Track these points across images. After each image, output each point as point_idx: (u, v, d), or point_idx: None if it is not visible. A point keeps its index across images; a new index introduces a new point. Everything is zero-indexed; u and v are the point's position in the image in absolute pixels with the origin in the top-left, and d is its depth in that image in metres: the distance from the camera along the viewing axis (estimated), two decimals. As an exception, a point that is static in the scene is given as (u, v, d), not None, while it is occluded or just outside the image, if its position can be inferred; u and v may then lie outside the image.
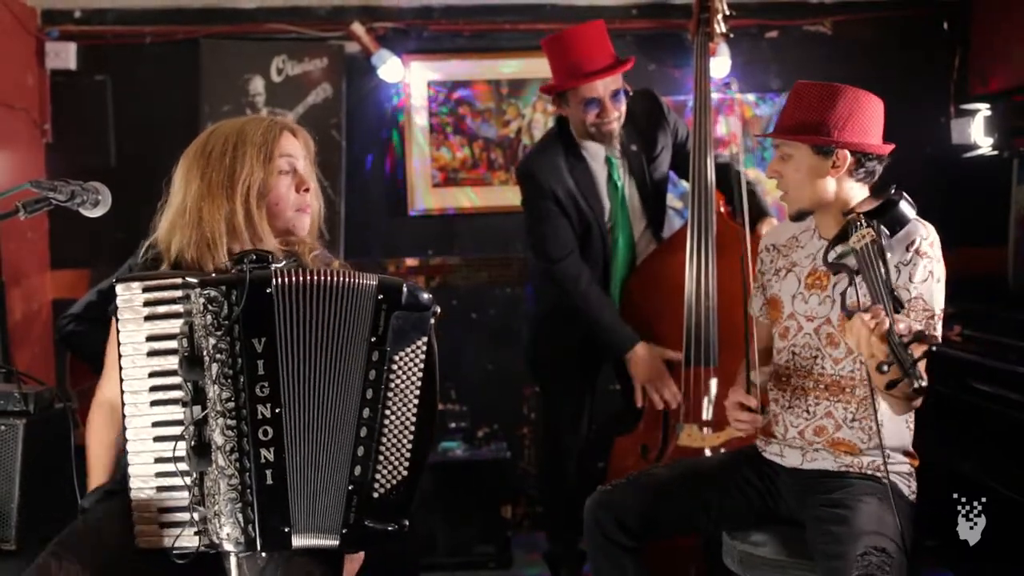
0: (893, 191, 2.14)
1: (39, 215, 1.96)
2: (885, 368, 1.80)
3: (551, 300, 3.29)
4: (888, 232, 2.09)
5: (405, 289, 1.83)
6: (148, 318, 1.79)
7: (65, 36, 4.00)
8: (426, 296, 1.85)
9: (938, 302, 2.15)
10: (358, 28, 4.05)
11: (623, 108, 3.06)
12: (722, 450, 2.95)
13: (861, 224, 2.07)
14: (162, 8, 4.04)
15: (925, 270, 2.13)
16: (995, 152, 3.95)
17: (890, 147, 2.22)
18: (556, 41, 3.09)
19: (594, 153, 3.15)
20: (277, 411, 1.78)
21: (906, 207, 2.11)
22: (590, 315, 3.09)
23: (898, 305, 1.94)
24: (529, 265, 3.63)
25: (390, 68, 4.08)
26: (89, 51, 4.02)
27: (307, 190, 2.06)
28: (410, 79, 4.17)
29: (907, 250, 2.13)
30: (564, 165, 3.10)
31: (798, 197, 2.23)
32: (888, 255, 2.03)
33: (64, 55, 3.97)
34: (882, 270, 1.98)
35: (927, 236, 2.16)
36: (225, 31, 4.07)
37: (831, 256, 2.16)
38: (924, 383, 1.77)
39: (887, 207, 2.10)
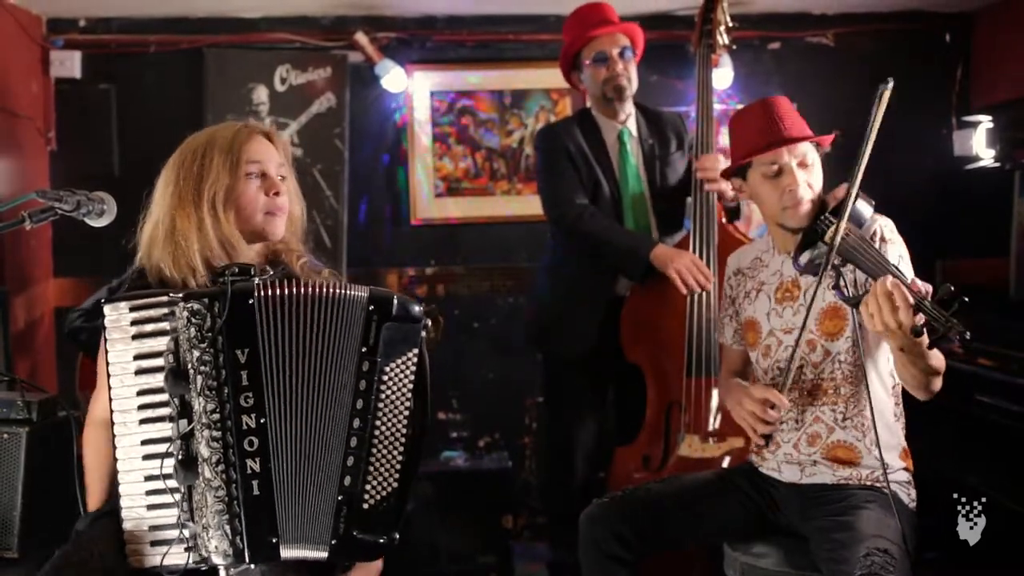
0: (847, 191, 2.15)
1: (43, 224, 1.97)
2: (921, 329, 1.81)
3: (554, 304, 3.31)
4: (856, 225, 2.10)
5: (396, 301, 1.83)
6: (136, 337, 1.80)
7: (70, 45, 4.01)
8: (417, 308, 1.85)
9: None
10: (362, 38, 4.07)
11: (632, 69, 3.18)
12: (726, 460, 2.95)
13: (830, 221, 2.09)
14: (166, 17, 4.06)
15: (895, 255, 2.16)
16: (997, 164, 3.96)
17: None
18: (572, 15, 3.27)
19: (608, 129, 3.24)
20: (262, 421, 1.78)
21: (863, 202, 2.12)
22: (604, 239, 3.09)
23: (903, 276, 1.95)
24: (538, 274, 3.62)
25: (393, 78, 4.10)
26: (93, 60, 4.04)
27: (277, 193, 2.04)
28: (413, 89, 4.19)
29: (871, 240, 2.15)
30: (578, 129, 3.24)
31: (813, 202, 2.22)
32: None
33: (69, 64, 3.99)
34: (873, 252, 2.01)
35: (886, 224, 2.20)
36: (229, 40, 4.08)
37: (802, 262, 2.14)
38: (967, 332, 1.77)
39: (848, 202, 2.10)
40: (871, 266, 2.00)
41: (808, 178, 2.20)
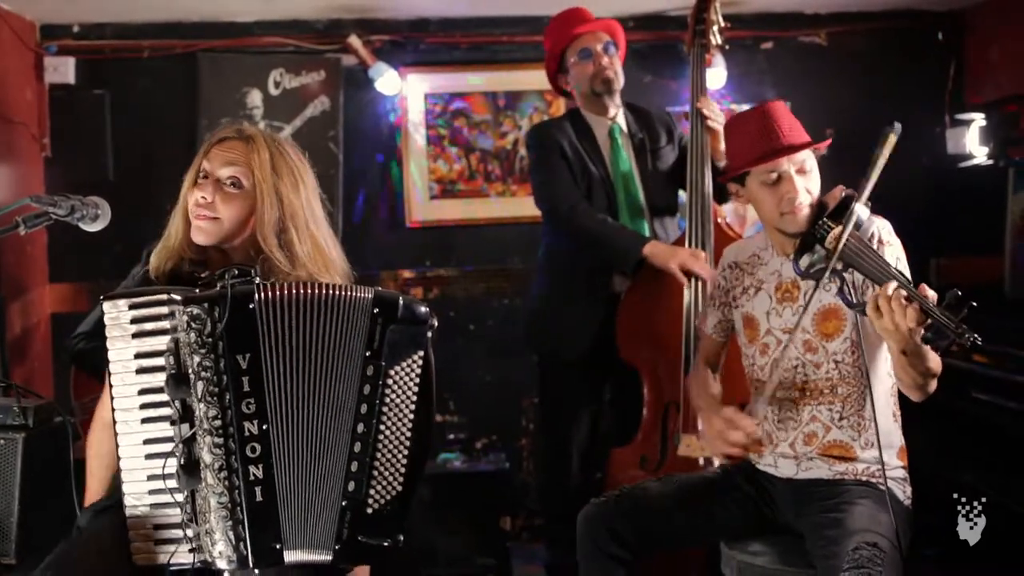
0: (844, 192, 2.16)
1: (38, 229, 1.97)
2: (931, 336, 1.82)
3: (549, 302, 3.31)
4: (855, 228, 2.10)
5: (401, 302, 1.81)
6: (136, 335, 1.77)
7: (64, 51, 4.01)
8: (423, 309, 1.83)
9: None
10: (355, 41, 4.07)
11: (617, 63, 3.23)
12: (716, 462, 2.95)
13: (829, 227, 2.09)
14: (160, 22, 4.05)
15: (893, 256, 2.17)
16: (990, 162, 3.98)
17: None
18: (551, 22, 3.34)
19: (599, 126, 3.26)
20: (264, 428, 1.75)
21: (860, 206, 2.10)
22: (597, 234, 3.10)
23: (907, 279, 1.95)
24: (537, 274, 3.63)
25: (387, 81, 4.10)
26: (88, 65, 4.03)
27: (204, 197, 1.93)
28: (407, 91, 4.19)
29: (870, 242, 2.15)
30: (570, 127, 3.27)
31: (812, 207, 2.21)
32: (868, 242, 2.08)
33: (63, 69, 3.98)
34: (875, 257, 2.01)
35: (883, 226, 2.21)
36: (223, 45, 4.08)
37: (802, 265, 2.15)
38: (979, 338, 1.77)
39: (846, 205, 2.10)
40: (874, 271, 2.00)
41: (807, 184, 2.20)
